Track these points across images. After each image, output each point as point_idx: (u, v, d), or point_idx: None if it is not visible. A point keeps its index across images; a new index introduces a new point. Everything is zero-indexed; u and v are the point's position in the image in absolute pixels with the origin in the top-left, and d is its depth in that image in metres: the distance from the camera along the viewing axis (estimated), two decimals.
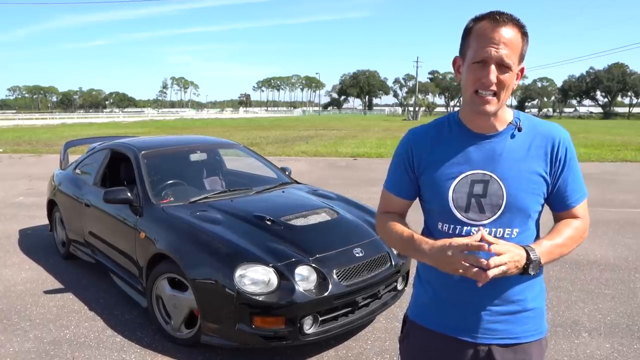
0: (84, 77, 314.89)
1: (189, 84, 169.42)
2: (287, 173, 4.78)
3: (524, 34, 1.28)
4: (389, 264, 3.28)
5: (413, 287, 1.54)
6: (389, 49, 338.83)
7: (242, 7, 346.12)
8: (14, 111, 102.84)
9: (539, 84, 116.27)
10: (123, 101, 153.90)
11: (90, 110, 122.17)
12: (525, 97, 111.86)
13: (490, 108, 1.29)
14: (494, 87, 1.26)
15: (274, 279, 2.84)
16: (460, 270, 1.22)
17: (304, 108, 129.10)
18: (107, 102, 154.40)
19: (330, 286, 2.89)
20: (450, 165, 1.36)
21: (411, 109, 78.03)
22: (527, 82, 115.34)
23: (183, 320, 3.18)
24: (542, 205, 1.38)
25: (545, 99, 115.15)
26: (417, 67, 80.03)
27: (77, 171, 5.06)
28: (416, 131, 1.48)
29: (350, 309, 3.04)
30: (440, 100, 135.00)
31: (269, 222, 3.35)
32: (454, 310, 1.39)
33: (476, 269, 1.20)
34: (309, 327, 2.87)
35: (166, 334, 3.29)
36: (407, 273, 3.54)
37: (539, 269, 1.27)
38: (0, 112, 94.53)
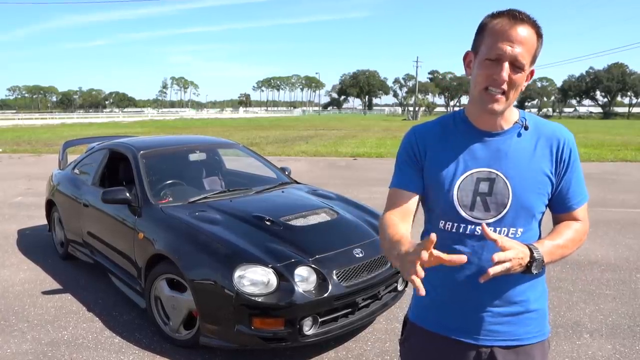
0: (83, 77, 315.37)
1: (189, 84, 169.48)
2: (286, 173, 4.76)
3: (539, 36, 1.26)
4: (389, 264, 3.26)
5: (414, 289, 1.52)
6: (388, 49, 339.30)
7: (242, 7, 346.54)
8: (14, 111, 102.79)
9: (539, 84, 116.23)
10: (123, 101, 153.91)
11: (90, 110, 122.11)
12: (525, 97, 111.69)
13: (498, 107, 1.27)
14: (505, 86, 1.24)
15: (274, 280, 2.82)
16: (410, 277, 1.08)
17: (304, 108, 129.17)
18: (107, 102, 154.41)
19: (330, 287, 2.88)
20: (455, 162, 1.34)
21: (411, 108, 78.07)
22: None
23: (182, 322, 3.16)
24: (546, 206, 1.37)
25: (545, 99, 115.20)
26: (417, 67, 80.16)
27: (76, 171, 5.04)
28: (420, 128, 1.46)
29: (350, 310, 3.03)
30: (440, 100, 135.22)
31: (268, 223, 3.33)
32: (456, 312, 1.37)
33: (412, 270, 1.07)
34: (308, 328, 2.85)
35: (165, 335, 3.27)
36: None
37: (541, 268, 1.25)
38: (0, 111, 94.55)
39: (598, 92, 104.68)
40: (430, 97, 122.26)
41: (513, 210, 1.30)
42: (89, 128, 33.01)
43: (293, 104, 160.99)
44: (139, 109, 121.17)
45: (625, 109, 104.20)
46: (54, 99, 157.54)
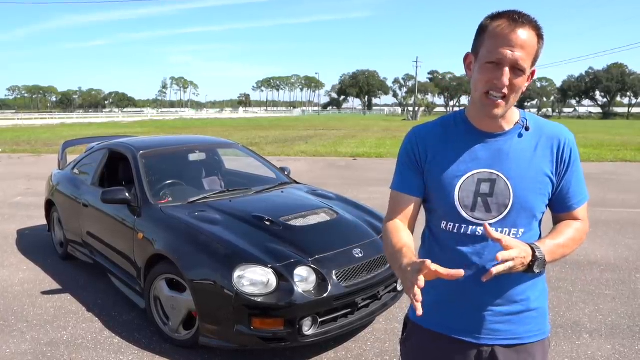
0: (83, 77, 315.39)
1: (189, 84, 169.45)
2: (286, 173, 4.76)
3: (540, 37, 1.25)
4: (389, 264, 3.25)
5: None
6: (388, 49, 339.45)
7: (242, 7, 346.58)
8: (14, 111, 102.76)
9: (539, 84, 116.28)
10: (122, 101, 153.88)
11: (90, 110, 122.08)
12: (524, 97, 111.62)
13: (498, 112, 1.27)
14: (505, 90, 1.24)
15: (273, 280, 2.82)
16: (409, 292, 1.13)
17: (304, 108, 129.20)
18: (106, 102, 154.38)
19: (329, 287, 2.87)
20: (456, 163, 1.34)
21: (410, 109, 78.06)
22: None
23: (181, 322, 3.16)
24: (547, 206, 1.37)
25: (545, 99, 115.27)
26: (416, 67, 80.00)
27: (75, 171, 5.04)
28: (421, 128, 1.45)
29: (349, 310, 3.02)
30: (439, 100, 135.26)
31: (268, 223, 3.33)
32: (457, 311, 1.37)
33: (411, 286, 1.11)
34: (308, 328, 2.85)
35: (164, 335, 3.27)
36: None
37: (543, 268, 1.25)
38: None
39: (598, 93, 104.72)
40: (430, 98, 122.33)
41: (514, 210, 1.30)
42: (88, 128, 32.99)
43: (293, 104, 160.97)
44: (138, 109, 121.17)
45: (624, 109, 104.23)
46: (54, 99, 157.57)
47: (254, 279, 2.82)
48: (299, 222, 3.41)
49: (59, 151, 5.90)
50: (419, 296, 1.10)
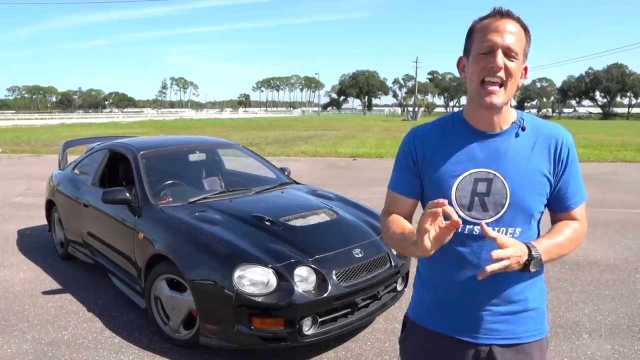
0: (83, 77, 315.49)
1: (189, 84, 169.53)
2: (286, 173, 4.77)
3: (527, 31, 1.30)
4: (389, 264, 3.27)
5: (413, 287, 1.53)
6: (388, 49, 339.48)
7: (242, 8, 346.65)
8: (13, 111, 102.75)
9: (538, 84, 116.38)
10: (122, 101, 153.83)
11: (90, 111, 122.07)
12: (524, 98, 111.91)
13: (496, 100, 1.28)
14: (501, 74, 1.25)
15: (273, 280, 2.82)
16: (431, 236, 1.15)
17: (304, 108, 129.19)
18: (106, 102, 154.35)
19: (329, 287, 2.88)
20: (453, 163, 1.35)
21: (410, 109, 78.08)
22: (526, 82, 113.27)
23: (182, 322, 3.17)
24: (545, 206, 1.38)
25: (545, 100, 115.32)
26: (416, 68, 79.98)
27: (76, 171, 5.04)
28: (419, 129, 1.47)
29: (349, 310, 3.03)
30: (439, 100, 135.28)
31: (268, 223, 3.33)
32: (455, 311, 1.38)
33: (445, 224, 1.14)
34: (308, 328, 2.86)
35: (165, 335, 3.28)
36: (407, 274, 3.52)
37: (539, 267, 1.26)
38: None
39: (597, 93, 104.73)
40: (429, 98, 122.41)
41: (511, 210, 1.31)
42: (88, 128, 33.00)
43: (292, 105, 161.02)
44: (138, 109, 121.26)
45: (624, 110, 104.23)
46: (54, 99, 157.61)
47: (254, 279, 2.83)
48: (299, 222, 3.42)
49: (59, 151, 5.91)
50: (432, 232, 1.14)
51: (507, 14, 1.27)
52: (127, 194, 3.64)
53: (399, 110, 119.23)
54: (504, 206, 1.31)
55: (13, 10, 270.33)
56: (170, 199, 3.80)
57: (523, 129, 1.35)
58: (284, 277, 2.84)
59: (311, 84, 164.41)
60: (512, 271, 1.23)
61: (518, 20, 1.29)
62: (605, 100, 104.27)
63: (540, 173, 1.33)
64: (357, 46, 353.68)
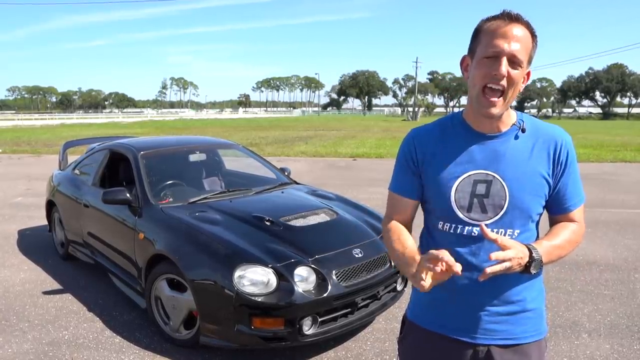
0: (83, 77, 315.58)
1: (189, 85, 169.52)
2: (286, 173, 4.77)
3: (534, 36, 1.28)
4: (389, 264, 3.27)
5: (412, 288, 1.54)
6: (388, 49, 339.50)
7: (242, 8, 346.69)
8: (13, 111, 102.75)
9: (538, 85, 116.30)
10: (122, 101, 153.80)
11: (90, 111, 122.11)
12: (524, 98, 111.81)
13: (495, 110, 1.28)
14: (504, 82, 1.25)
15: (273, 280, 2.83)
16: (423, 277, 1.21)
17: (304, 108, 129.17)
18: (106, 103, 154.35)
19: (329, 287, 2.89)
20: (453, 164, 1.36)
21: (410, 109, 78.06)
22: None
23: (182, 321, 3.17)
24: (543, 207, 1.38)
25: (545, 100, 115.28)
26: (416, 68, 79.88)
27: (76, 171, 5.05)
28: (419, 130, 1.47)
29: (349, 309, 3.04)
30: (439, 100, 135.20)
31: (268, 223, 3.34)
32: (453, 311, 1.38)
33: (439, 268, 1.19)
34: (308, 328, 2.86)
35: (165, 335, 3.28)
36: None
37: (540, 268, 1.26)
38: None
39: (597, 93, 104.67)
40: (429, 98, 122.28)
41: (510, 211, 1.32)
42: (88, 128, 33.00)
43: (292, 105, 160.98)
44: (138, 110, 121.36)
45: (624, 110, 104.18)
46: (54, 99, 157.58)
47: (255, 279, 2.84)
48: (299, 222, 3.42)
49: (59, 152, 5.91)
50: (426, 282, 1.20)
51: (516, 19, 1.24)
52: (128, 194, 3.65)
53: (399, 110, 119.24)
54: (502, 208, 1.32)
55: (13, 10, 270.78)
56: (171, 199, 3.81)
57: (523, 130, 1.35)
58: (284, 277, 2.85)
59: (311, 84, 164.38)
60: (509, 273, 1.23)
61: (527, 25, 1.26)
62: (605, 100, 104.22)
63: (539, 175, 1.33)
64: (357, 46, 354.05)
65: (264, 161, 4.97)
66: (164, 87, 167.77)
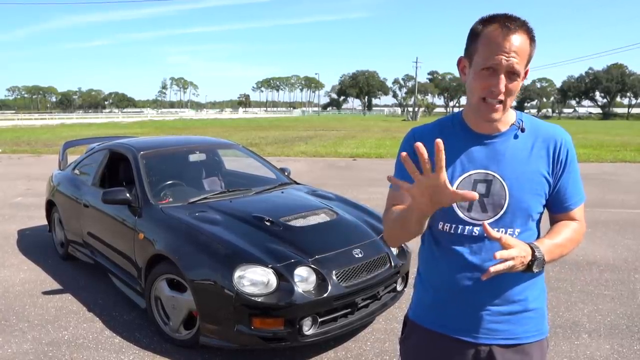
0: (83, 77, 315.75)
1: (188, 84, 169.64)
2: (286, 173, 4.77)
3: (532, 39, 1.27)
4: (389, 265, 3.27)
5: (414, 288, 1.54)
6: (388, 49, 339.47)
7: (242, 8, 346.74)
8: (13, 111, 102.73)
9: (538, 85, 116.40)
10: (122, 101, 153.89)
11: (90, 111, 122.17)
12: (524, 98, 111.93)
13: (496, 116, 1.29)
14: (502, 96, 1.25)
15: (273, 280, 2.83)
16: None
17: (304, 108, 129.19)
18: (106, 103, 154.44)
19: (329, 287, 2.88)
20: (453, 164, 1.36)
21: (410, 109, 78.08)
22: (526, 82, 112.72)
23: (182, 321, 3.17)
24: (544, 207, 1.38)
25: (545, 100, 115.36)
26: (416, 68, 79.96)
27: (76, 171, 5.05)
28: (419, 130, 1.47)
29: (349, 310, 3.03)
30: (439, 100, 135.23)
31: (268, 223, 3.34)
32: (455, 311, 1.38)
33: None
34: (308, 328, 2.86)
35: (165, 335, 3.28)
36: (407, 274, 3.53)
37: (542, 267, 1.26)
38: None
39: (597, 93, 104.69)
40: (429, 98, 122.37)
41: (510, 211, 1.32)
42: (88, 128, 32.99)
43: (292, 105, 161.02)
44: (138, 110, 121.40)
45: (624, 110, 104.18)
46: (54, 99, 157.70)
47: (254, 279, 2.83)
48: (299, 223, 3.42)
49: (59, 152, 5.91)
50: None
51: (513, 27, 1.22)
52: (127, 194, 3.64)
53: (398, 110, 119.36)
54: (503, 207, 1.32)
55: (13, 10, 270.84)
56: (171, 199, 3.80)
57: (522, 130, 1.36)
58: (284, 277, 2.84)
59: (311, 84, 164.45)
60: (512, 272, 1.23)
61: (524, 30, 1.24)
62: (605, 100, 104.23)
63: (539, 174, 1.33)
64: (356, 46, 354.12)
65: (264, 161, 4.97)
66: (164, 87, 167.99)
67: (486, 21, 1.27)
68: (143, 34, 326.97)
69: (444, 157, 1.09)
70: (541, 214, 1.39)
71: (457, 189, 1.33)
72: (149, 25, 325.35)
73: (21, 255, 5.19)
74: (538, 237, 1.39)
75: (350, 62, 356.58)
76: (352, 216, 3.71)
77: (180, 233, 3.29)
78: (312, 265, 2.95)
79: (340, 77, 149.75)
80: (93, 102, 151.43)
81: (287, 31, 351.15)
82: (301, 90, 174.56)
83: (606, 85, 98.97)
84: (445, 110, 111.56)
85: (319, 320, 2.89)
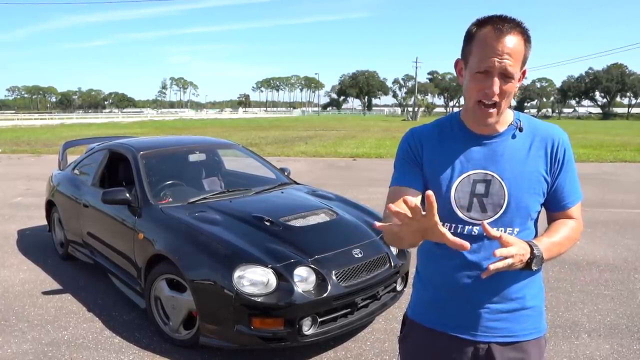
0: (83, 77, 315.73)
1: (188, 84, 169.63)
2: (286, 173, 4.77)
3: (527, 40, 1.26)
4: (388, 264, 3.27)
5: (413, 286, 1.54)
6: (388, 49, 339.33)
7: (242, 8, 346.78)
8: (13, 111, 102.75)
9: (538, 85, 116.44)
10: (122, 101, 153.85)
11: (90, 111, 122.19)
12: (524, 98, 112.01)
13: (491, 120, 1.31)
14: (496, 98, 1.26)
15: (273, 280, 2.83)
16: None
17: (303, 108, 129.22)
18: (106, 103, 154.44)
19: (329, 287, 2.89)
20: (452, 165, 1.37)
21: (410, 109, 78.11)
22: (526, 82, 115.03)
23: (182, 322, 3.17)
24: (542, 205, 1.39)
25: (545, 100, 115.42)
26: (416, 68, 79.98)
27: (76, 171, 5.05)
28: (418, 130, 1.48)
29: (349, 310, 3.04)
30: (439, 100, 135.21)
31: (267, 223, 3.34)
32: (454, 309, 1.39)
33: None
34: (307, 328, 2.86)
35: (165, 335, 3.28)
36: (407, 274, 3.53)
37: (541, 265, 1.27)
38: None
39: (597, 93, 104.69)
40: (429, 98, 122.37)
41: (509, 210, 1.33)
42: (88, 128, 32.99)
43: (292, 105, 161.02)
44: (138, 110, 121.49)
45: (624, 110, 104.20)
46: (53, 99, 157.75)
47: (254, 279, 2.83)
48: (298, 223, 3.42)
49: (59, 152, 5.91)
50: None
51: (507, 29, 1.22)
52: (127, 194, 3.65)
53: (398, 110, 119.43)
54: (502, 207, 1.33)
55: (13, 10, 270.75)
56: (170, 199, 3.80)
57: (520, 129, 1.37)
58: (284, 277, 2.84)
59: (311, 84, 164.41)
60: (511, 269, 1.24)
61: (519, 31, 1.24)
62: (605, 100, 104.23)
63: (538, 173, 1.34)
64: (356, 46, 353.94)
65: (263, 161, 4.97)
66: (164, 87, 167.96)
67: (480, 23, 1.27)
68: (143, 34, 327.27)
69: (435, 204, 1.04)
70: (539, 212, 1.40)
71: (456, 188, 1.35)
72: (149, 25, 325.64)
73: (21, 255, 5.19)
74: (535, 235, 1.39)
75: (350, 62, 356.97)
76: (352, 216, 3.71)
77: (180, 233, 3.29)
78: (312, 265, 2.95)
79: (340, 77, 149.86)
80: (93, 102, 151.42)
81: (287, 31, 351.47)
82: (301, 90, 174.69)
83: (606, 85, 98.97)
84: (445, 110, 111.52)
85: (319, 320, 2.89)
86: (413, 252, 1.43)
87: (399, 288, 3.45)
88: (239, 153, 5.07)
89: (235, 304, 2.78)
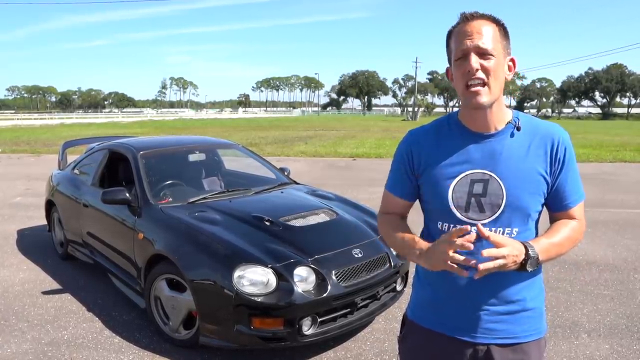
0: (83, 77, 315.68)
1: (188, 84, 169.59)
2: (286, 173, 4.77)
3: (499, 25, 1.31)
4: (388, 264, 3.27)
5: (412, 287, 1.54)
6: (388, 49, 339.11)
7: (242, 8, 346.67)
8: (13, 111, 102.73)
9: (538, 85, 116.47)
10: (122, 101, 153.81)
11: (89, 111, 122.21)
12: (524, 98, 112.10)
13: (482, 99, 1.29)
14: (480, 75, 1.27)
15: (273, 280, 2.83)
16: (447, 262, 1.23)
17: (303, 108, 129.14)
18: (106, 102, 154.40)
19: (329, 287, 2.89)
20: (450, 164, 1.36)
21: (410, 109, 78.11)
22: (525, 82, 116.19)
23: (181, 321, 3.17)
24: (542, 206, 1.38)
25: (544, 100, 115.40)
26: (416, 68, 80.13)
27: (76, 171, 5.05)
28: (416, 132, 1.48)
29: (349, 310, 3.04)
30: (439, 100, 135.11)
31: (267, 223, 3.34)
32: (454, 310, 1.39)
33: (458, 263, 1.23)
34: (307, 328, 2.86)
35: (164, 335, 3.28)
36: (407, 274, 3.53)
37: (536, 266, 1.27)
38: None
39: (597, 93, 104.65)
40: (429, 98, 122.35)
41: (507, 210, 1.32)
42: (88, 128, 32.98)
43: (292, 105, 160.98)
44: (138, 109, 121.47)
45: (624, 110, 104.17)
46: (53, 99, 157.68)
47: (254, 279, 2.83)
48: (298, 223, 3.42)
49: (59, 151, 5.91)
50: (459, 257, 1.22)
51: (472, 17, 1.30)
52: (127, 194, 3.64)
53: (398, 110, 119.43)
54: (500, 207, 1.32)
55: (13, 10, 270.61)
56: (170, 199, 3.80)
57: (518, 128, 1.36)
58: (284, 277, 2.84)
59: (311, 84, 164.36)
60: (510, 271, 1.24)
61: (489, 18, 1.31)
62: (604, 100, 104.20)
63: (537, 173, 1.33)
64: (356, 46, 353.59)
65: (263, 161, 4.97)
66: (164, 86, 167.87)
67: (453, 26, 1.34)
68: (142, 34, 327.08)
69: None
70: (540, 213, 1.39)
71: (454, 188, 1.35)
72: (149, 25, 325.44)
73: (20, 255, 5.18)
74: (536, 236, 1.39)
75: (350, 62, 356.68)
76: (352, 216, 3.71)
77: (179, 233, 3.29)
78: (312, 265, 2.95)
79: (340, 77, 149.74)
80: (93, 102, 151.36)
81: (287, 31, 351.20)
82: (301, 90, 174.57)
83: (606, 85, 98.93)
84: (445, 110, 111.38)
85: (319, 320, 2.89)
86: None
87: (398, 288, 3.45)
88: (238, 153, 5.07)
89: (235, 304, 2.78)
